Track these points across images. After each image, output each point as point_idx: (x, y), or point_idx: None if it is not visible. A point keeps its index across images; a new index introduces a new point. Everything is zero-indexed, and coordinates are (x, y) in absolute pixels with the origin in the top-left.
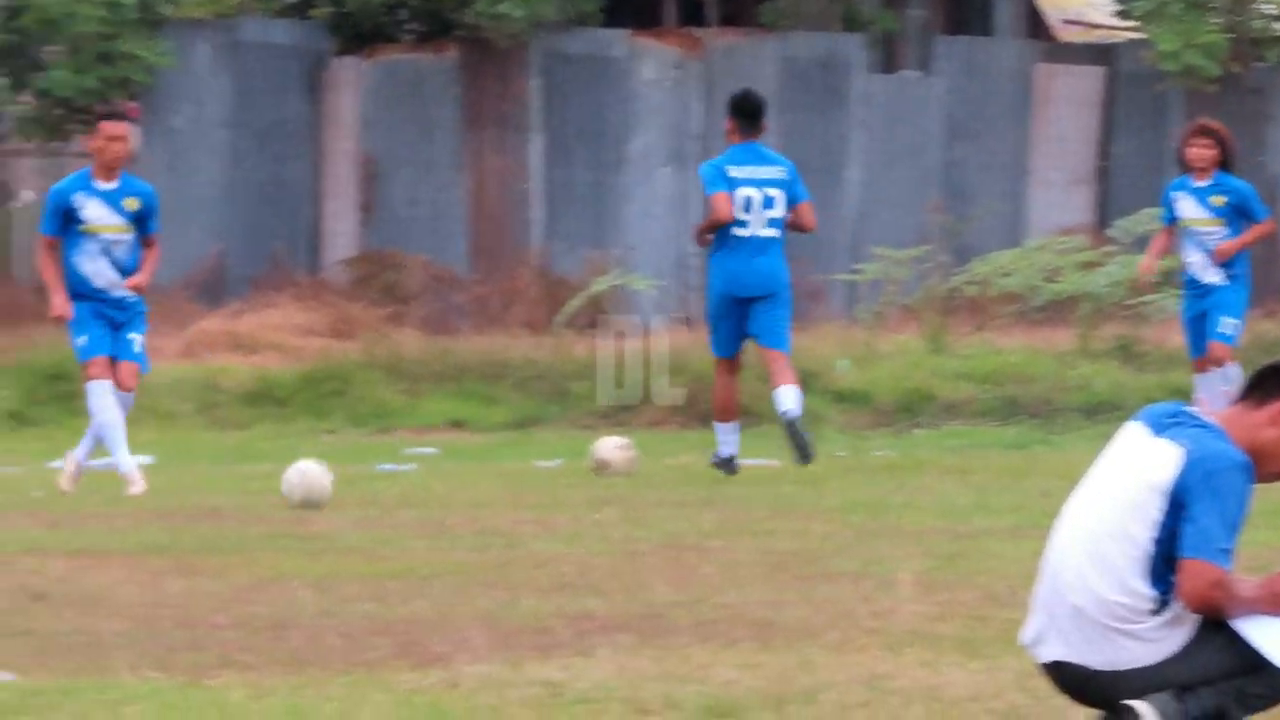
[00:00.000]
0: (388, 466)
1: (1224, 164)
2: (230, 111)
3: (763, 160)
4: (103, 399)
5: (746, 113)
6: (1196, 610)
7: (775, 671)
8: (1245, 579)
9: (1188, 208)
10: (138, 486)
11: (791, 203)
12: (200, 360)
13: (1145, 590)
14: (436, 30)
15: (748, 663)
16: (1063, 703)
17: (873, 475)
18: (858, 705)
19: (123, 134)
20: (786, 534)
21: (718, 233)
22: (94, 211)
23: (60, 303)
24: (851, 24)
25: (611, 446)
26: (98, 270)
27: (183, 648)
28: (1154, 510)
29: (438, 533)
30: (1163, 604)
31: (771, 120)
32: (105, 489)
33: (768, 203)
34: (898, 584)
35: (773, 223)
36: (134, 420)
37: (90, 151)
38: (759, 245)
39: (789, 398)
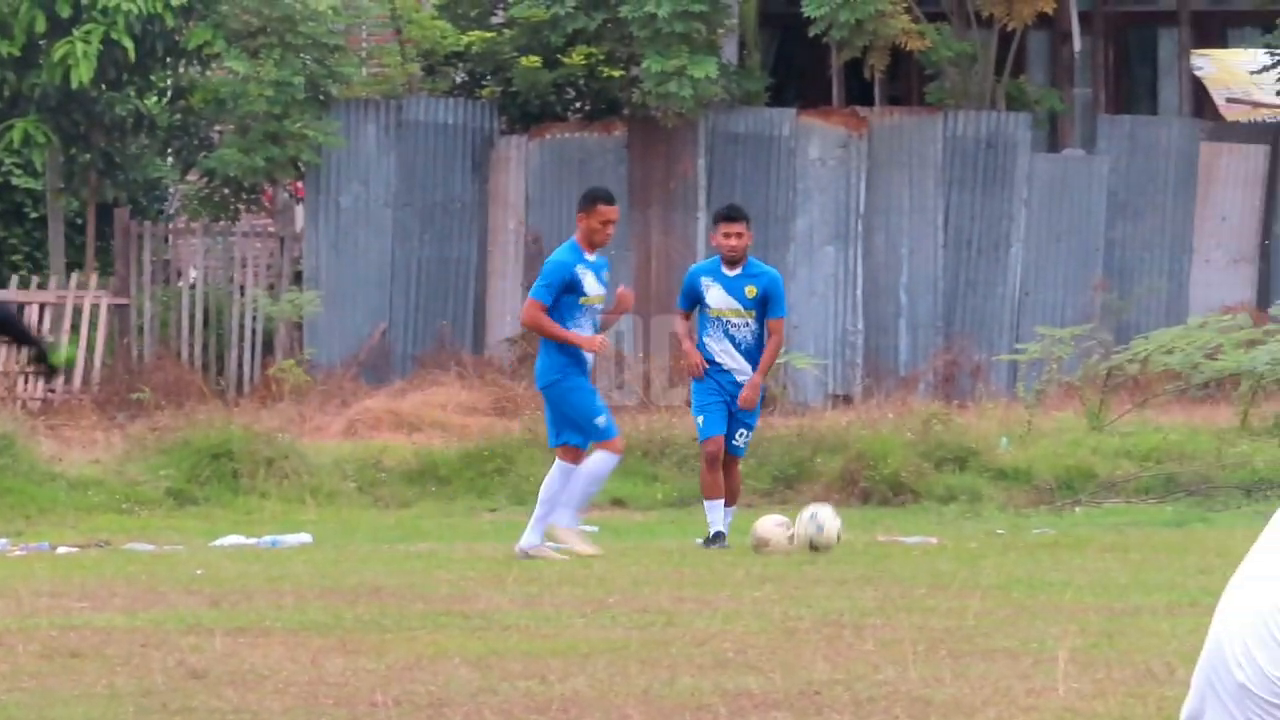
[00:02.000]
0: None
1: None
2: (397, 190)
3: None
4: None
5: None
6: None
7: None
8: None
9: None
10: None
11: None
12: (363, 438)
13: None
14: (604, 109)
15: None
16: None
17: (1031, 553)
18: None
19: (617, 217)
20: (944, 611)
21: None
22: (590, 284)
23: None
24: (1016, 103)
25: (771, 524)
26: None
27: None
28: None
29: (597, 610)
30: None
31: (936, 199)
32: (270, 566)
33: None
34: (1055, 662)
35: None
36: (295, 499)
37: (584, 229)
38: None
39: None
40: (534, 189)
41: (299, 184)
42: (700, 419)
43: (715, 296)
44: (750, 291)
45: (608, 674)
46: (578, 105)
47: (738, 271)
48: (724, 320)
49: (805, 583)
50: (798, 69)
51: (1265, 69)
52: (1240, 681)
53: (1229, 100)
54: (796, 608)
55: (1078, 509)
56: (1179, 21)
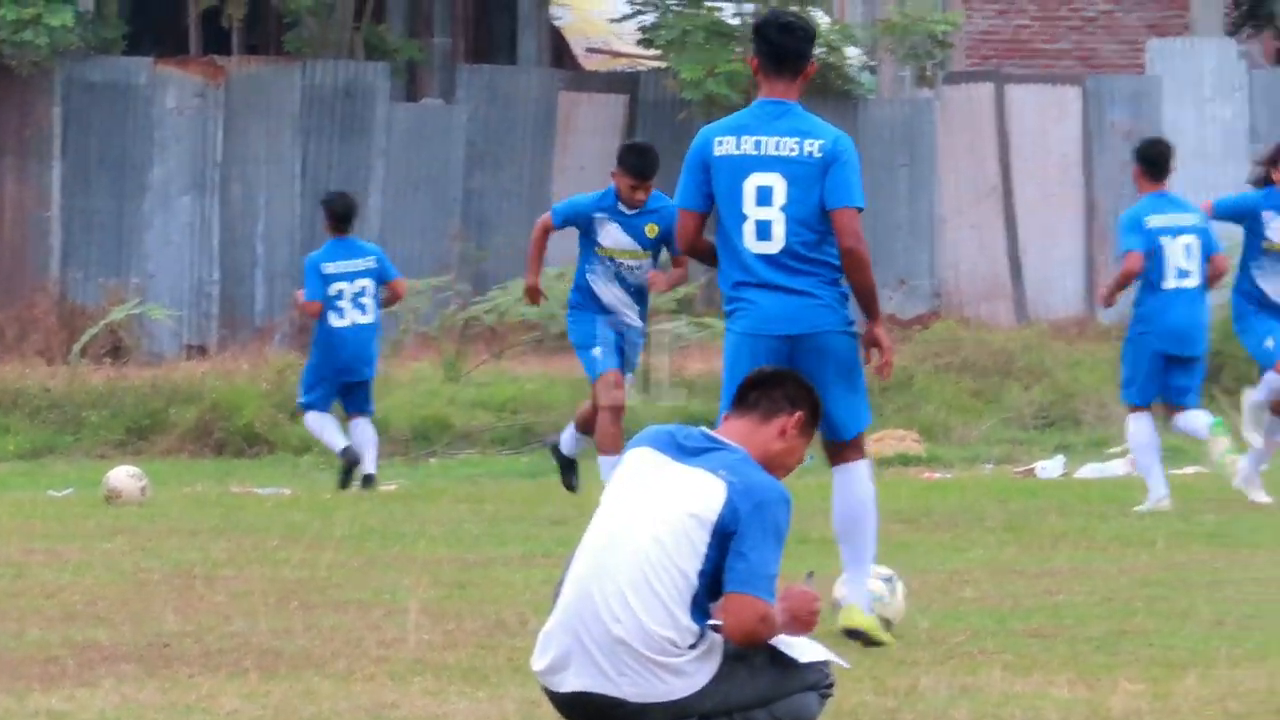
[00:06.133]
0: None
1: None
2: None
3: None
4: None
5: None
6: (740, 642)
7: (280, 700)
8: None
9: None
10: None
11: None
12: None
13: (689, 624)
14: None
15: (253, 692)
16: None
17: (385, 504)
18: None
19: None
20: (296, 563)
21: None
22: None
23: None
24: (376, 52)
25: (124, 475)
26: None
27: None
28: (700, 544)
29: None
30: (700, 637)
31: (294, 148)
32: None
33: None
34: (406, 613)
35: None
36: None
37: None
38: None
39: None
40: None
41: None
42: (598, 350)
43: (610, 235)
44: (651, 231)
45: None
46: None
47: (635, 211)
48: (615, 261)
49: (157, 534)
50: (155, 18)
51: (625, 18)
52: (617, 635)
53: (589, 50)
54: (148, 559)
55: (433, 460)
56: None
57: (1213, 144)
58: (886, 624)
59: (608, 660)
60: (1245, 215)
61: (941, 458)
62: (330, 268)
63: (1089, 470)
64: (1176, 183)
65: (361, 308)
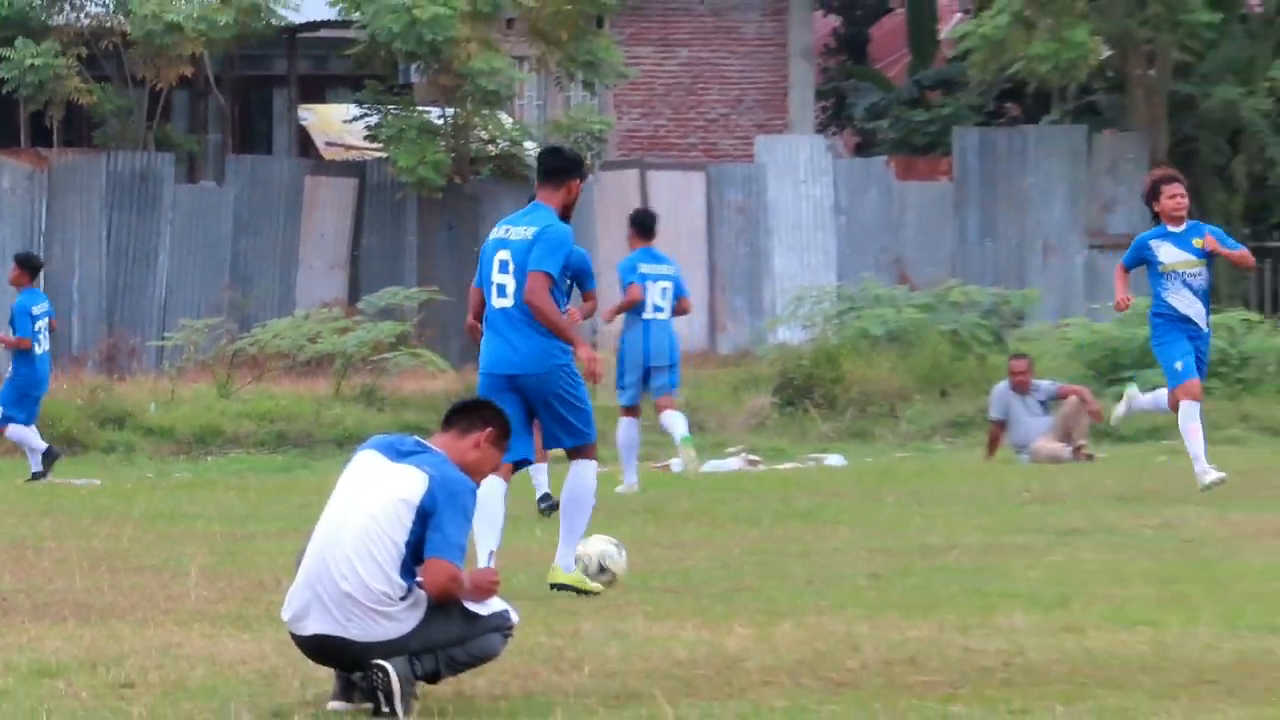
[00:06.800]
0: None
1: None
2: None
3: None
4: None
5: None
6: (437, 597)
7: (91, 642)
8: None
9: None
10: None
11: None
12: None
13: (400, 581)
14: None
15: (71, 635)
16: (312, 666)
17: (173, 492)
18: (153, 667)
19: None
20: (104, 536)
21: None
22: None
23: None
24: (164, 145)
25: None
26: None
27: None
28: (407, 521)
29: None
30: (409, 592)
31: (101, 220)
32: None
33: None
34: (188, 575)
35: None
36: None
37: None
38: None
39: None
40: None
41: None
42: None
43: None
44: None
45: None
46: None
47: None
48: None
49: None
50: None
51: (356, 119)
52: (345, 590)
53: (328, 144)
54: None
55: (209, 458)
56: (289, 83)
57: (806, 217)
58: (612, 578)
59: (338, 610)
60: (1144, 252)
61: (598, 456)
62: (36, 309)
63: (710, 465)
64: (777, 247)
65: (48, 339)
